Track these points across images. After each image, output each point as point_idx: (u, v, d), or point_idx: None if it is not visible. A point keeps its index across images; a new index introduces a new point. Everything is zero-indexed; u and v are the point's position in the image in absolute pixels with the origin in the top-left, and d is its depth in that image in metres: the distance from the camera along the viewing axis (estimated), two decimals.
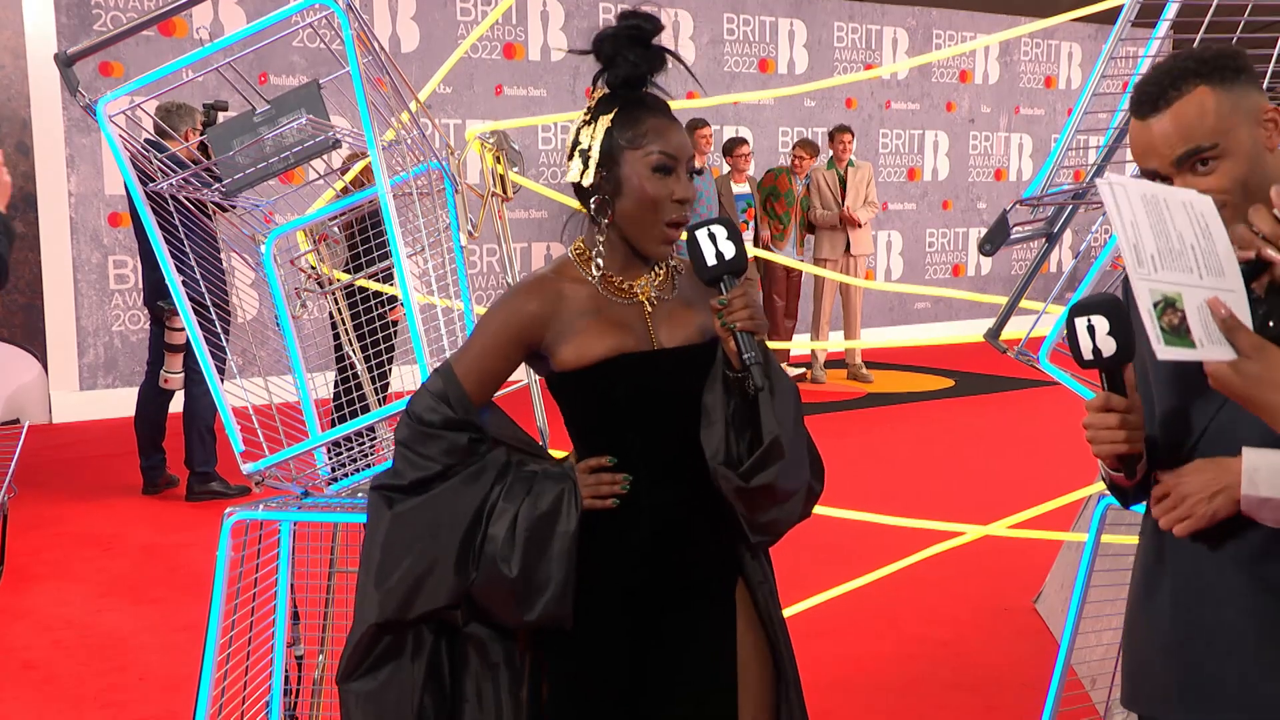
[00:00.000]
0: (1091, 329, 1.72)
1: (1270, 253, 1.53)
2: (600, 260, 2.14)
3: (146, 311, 6.86)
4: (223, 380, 2.90)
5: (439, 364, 2.25)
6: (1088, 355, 1.73)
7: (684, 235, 2.10)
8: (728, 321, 2.01)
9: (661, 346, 2.13)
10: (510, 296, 2.15)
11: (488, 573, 2.08)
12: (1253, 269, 1.55)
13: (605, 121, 2.10)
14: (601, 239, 2.14)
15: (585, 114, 2.14)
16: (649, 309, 2.15)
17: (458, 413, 2.11)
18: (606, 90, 2.13)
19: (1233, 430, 1.73)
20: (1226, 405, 1.73)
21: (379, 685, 2.13)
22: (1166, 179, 1.78)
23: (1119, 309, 1.71)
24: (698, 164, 9.59)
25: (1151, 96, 1.78)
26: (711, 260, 2.02)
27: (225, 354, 3.10)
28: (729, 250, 2.02)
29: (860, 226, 10.08)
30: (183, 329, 6.45)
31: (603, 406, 2.13)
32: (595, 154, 2.10)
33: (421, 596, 2.10)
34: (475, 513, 2.09)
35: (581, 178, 2.12)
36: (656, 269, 2.18)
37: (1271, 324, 1.49)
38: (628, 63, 2.09)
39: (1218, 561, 1.79)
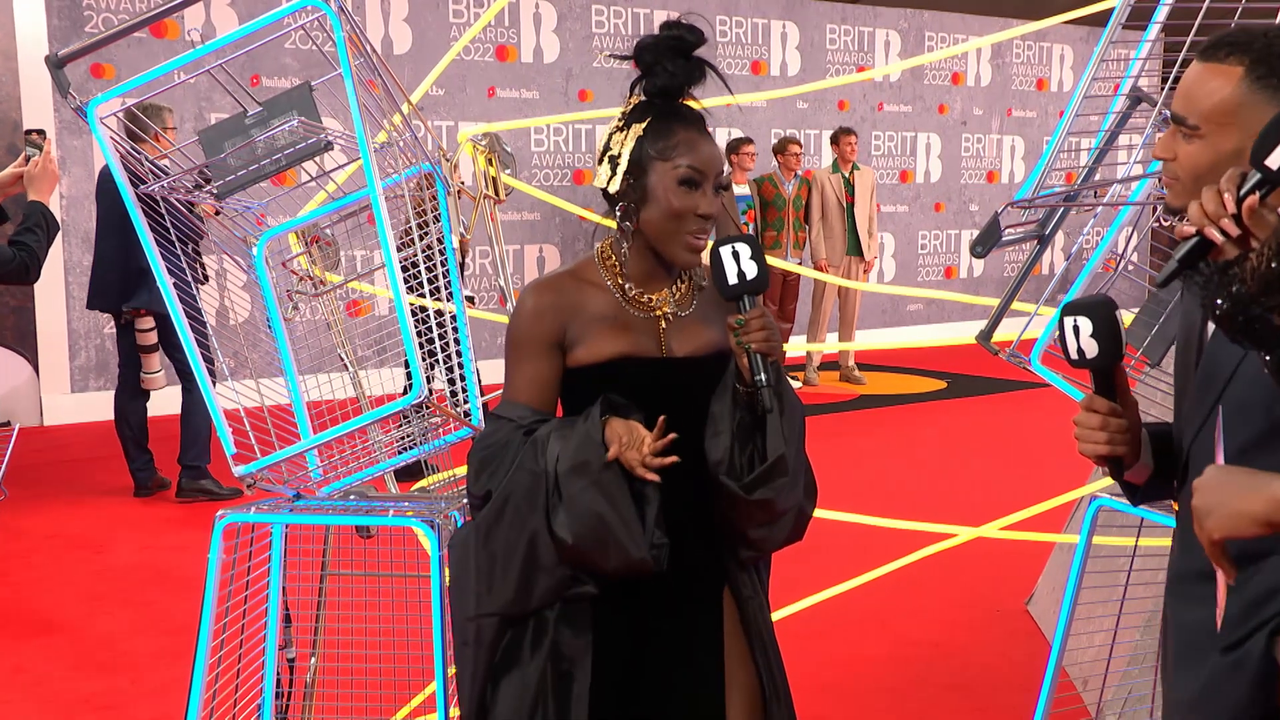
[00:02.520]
0: (1077, 329, 1.72)
1: (1213, 232, 1.51)
2: (624, 268, 2.16)
3: (109, 316, 6.81)
4: (215, 382, 2.90)
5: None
6: (1073, 355, 1.74)
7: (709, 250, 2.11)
8: (743, 341, 2.03)
9: (672, 354, 2.15)
10: (526, 298, 2.16)
11: (557, 544, 2.04)
12: (1199, 248, 1.54)
13: (637, 130, 2.11)
14: (626, 245, 2.16)
15: (619, 120, 2.15)
16: (664, 324, 2.16)
17: (518, 420, 2.10)
18: (643, 98, 2.14)
19: (1224, 431, 1.73)
20: (1213, 413, 1.73)
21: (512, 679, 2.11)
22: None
23: (1107, 311, 1.71)
24: (735, 178, 9.64)
25: (1208, 45, 1.73)
26: (733, 279, 2.05)
27: (217, 356, 3.10)
28: (751, 270, 2.04)
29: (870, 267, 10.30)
30: (151, 329, 6.45)
31: None
32: (624, 161, 2.11)
33: (539, 582, 2.06)
34: (541, 477, 2.04)
35: (609, 184, 2.14)
36: (679, 283, 2.20)
37: (1219, 301, 1.48)
38: (666, 73, 2.10)
39: (1171, 579, 1.82)
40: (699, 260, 2.15)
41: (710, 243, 2.12)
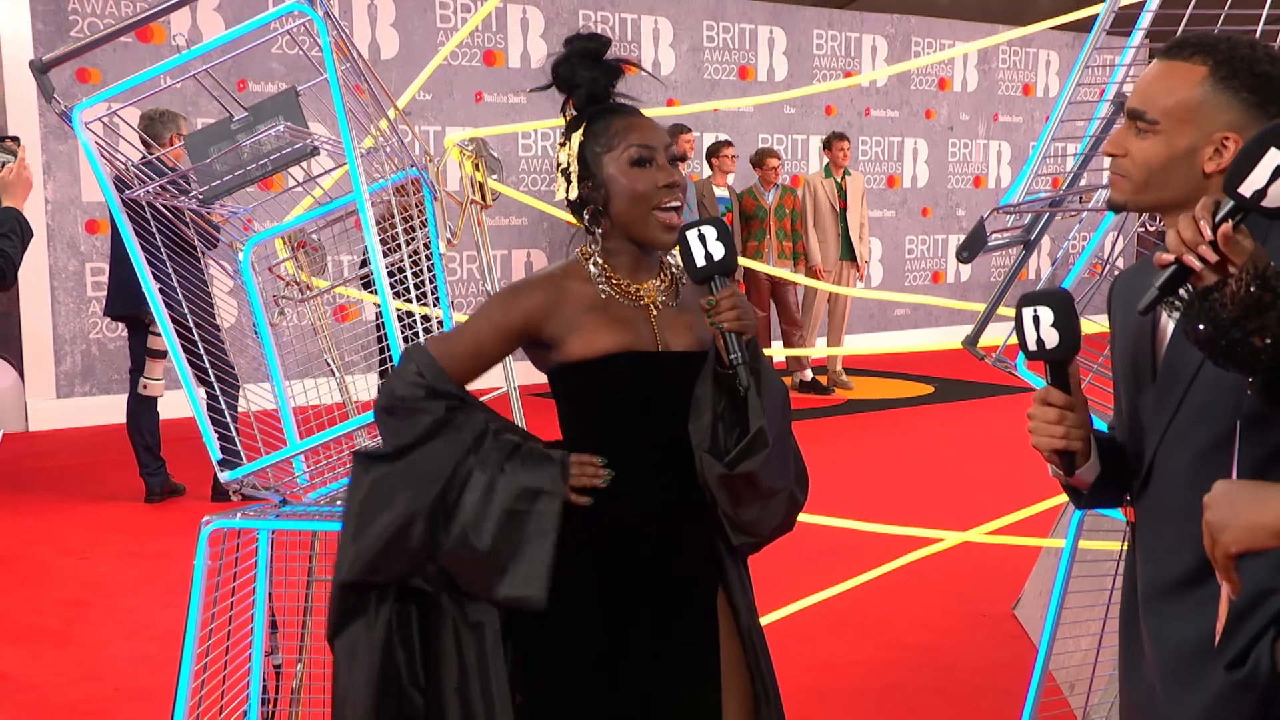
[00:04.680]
0: (1037, 319, 1.72)
1: (1191, 259, 1.52)
2: (605, 268, 2.18)
3: (94, 321, 6.75)
4: (239, 388, 2.90)
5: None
6: (1032, 346, 1.74)
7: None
8: (716, 321, 2.05)
9: (667, 348, 2.16)
10: (516, 286, 2.20)
11: (458, 541, 2.09)
12: (1178, 274, 1.55)
13: (578, 137, 2.17)
14: (597, 248, 2.19)
15: (561, 138, 2.21)
16: (654, 312, 2.18)
17: (436, 384, 2.13)
18: (575, 112, 2.21)
19: (1183, 440, 1.73)
20: (1177, 417, 1.73)
21: (349, 643, 2.15)
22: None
23: (1066, 303, 1.72)
24: (715, 181, 9.62)
25: (1172, 44, 1.77)
26: (701, 261, 2.07)
27: (204, 362, 3.09)
28: (719, 251, 2.06)
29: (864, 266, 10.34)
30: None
31: (604, 400, 2.16)
32: (575, 166, 2.16)
33: (393, 557, 2.10)
34: (450, 473, 2.10)
35: (568, 193, 2.18)
36: (661, 275, 2.22)
37: (1201, 327, 1.50)
38: (587, 81, 2.18)
39: (1143, 594, 1.81)
40: (674, 239, 2.16)
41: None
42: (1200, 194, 1.64)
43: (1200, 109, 1.72)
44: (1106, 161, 1.87)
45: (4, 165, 3.84)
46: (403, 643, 2.15)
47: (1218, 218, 1.50)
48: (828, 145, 10.31)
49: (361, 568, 2.11)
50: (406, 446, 2.11)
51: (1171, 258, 1.54)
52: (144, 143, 5.72)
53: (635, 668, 2.15)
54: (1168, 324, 1.77)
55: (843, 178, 10.22)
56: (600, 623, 2.14)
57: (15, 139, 3.90)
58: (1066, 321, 1.71)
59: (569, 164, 2.17)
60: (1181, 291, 1.55)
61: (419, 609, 2.16)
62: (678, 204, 2.14)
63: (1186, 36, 1.78)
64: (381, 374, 3.62)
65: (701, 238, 2.06)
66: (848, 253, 10.22)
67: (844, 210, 10.18)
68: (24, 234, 3.92)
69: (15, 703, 4.10)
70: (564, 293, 2.15)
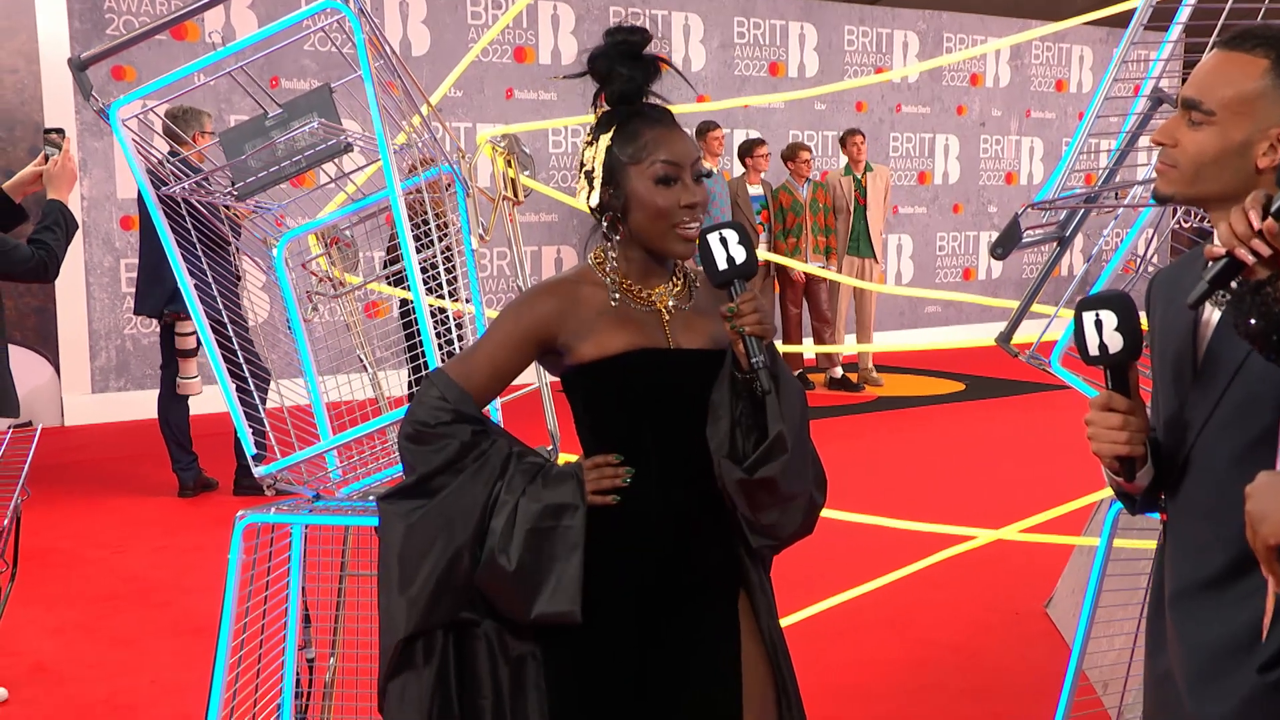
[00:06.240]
0: (1099, 324, 1.71)
1: (1243, 252, 1.51)
2: (617, 273, 2.18)
3: (129, 317, 6.80)
4: (260, 385, 2.91)
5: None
6: (1094, 351, 1.72)
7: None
8: (736, 325, 2.04)
9: (679, 347, 2.15)
10: (527, 295, 2.19)
11: (488, 565, 2.09)
12: (1229, 268, 1.54)
13: (606, 140, 2.14)
14: (615, 254, 2.18)
15: (588, 135, 2.18)
16: (666, 316, 2.17)
17: (461, 408, 2.13)
18: (607, 107, 2.17)
19: (1224, 434, 1.72)
20: (1218, 410, 1.72)
21: (398, 694, 2.16)
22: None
23: (1128, 305, 1.70)
24: (709, 166, 9.55)
25: (1230, 35, 1.75)
26: (723, 265, 2.05)
27: (239, 357, 3.11)
28: (740, 255, 2.05)
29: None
30: (190, 333, 6.47)
31: (619, 400, 2.16)
32: (599, 174, 2.14)
33: (445, 600, 2.11)
34: (483, 507, 2.10)
35: (589, 199, 2.16)
36: (674, 278, 2.21)
37: (1252, 321, 1.48)
38: (622, 78, 2.13)
39: (1175, 592, 1.80)
40: (693, 250, 2.15)
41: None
42: (1250, 189, 1.62)
43: (1258, 102, 1.69)
44: (1141, 157, 1.86)
45: (49, 158, 3.88)
46: (447, 679, 2.16)
47: (1270, 211, 1.49)
48: (843, 142, 10.24)
49: (419, 618, 2.10)
50: (432, 473, 2.11)
51: (1223, 250, 1.53)
52: (170, 135, 5.76)
53: (655, 665, 2.15)
54: (1209, 319, 1.76)
55: (863, 174, 10.13)
56: (620, 620, 2.14)
57: (60, 131, 3.94)
58: (1129, 324, 1.69)
59: (594, 168, 2.15)
60: (1233, 284, 1.54)
61: (457, 639, 2.16)
62: (698, 225, 2.12)
63: (1251, 28, 1.75)
64: (413, 370, 3.64)
65: (723, 241, 2.04)
66: (868, 250, 10.16)
67: (864, 207, 10.11)
68: (68, 227, 3.96)
69: (52, 695, 4.15)
70: (576, 298, 2.15)
